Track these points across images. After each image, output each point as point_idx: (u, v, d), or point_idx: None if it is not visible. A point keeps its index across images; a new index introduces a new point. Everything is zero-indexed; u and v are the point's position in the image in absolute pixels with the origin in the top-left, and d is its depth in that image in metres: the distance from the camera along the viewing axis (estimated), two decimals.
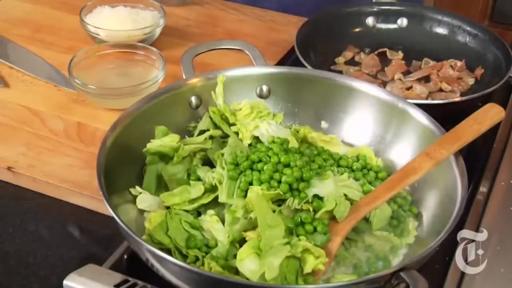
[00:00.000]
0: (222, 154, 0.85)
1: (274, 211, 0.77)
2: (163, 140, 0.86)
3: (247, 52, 1.01)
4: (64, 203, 0.92)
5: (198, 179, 0.85)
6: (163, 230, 0.78)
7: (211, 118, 0.93)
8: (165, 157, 0.87)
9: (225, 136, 0.92)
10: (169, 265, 0.70)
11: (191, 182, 0.84)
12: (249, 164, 0.82)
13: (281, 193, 0.78)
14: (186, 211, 0.82)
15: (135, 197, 0.83)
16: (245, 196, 0.79)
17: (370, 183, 0.87)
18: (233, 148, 0.86)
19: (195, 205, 0.82)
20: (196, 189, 0.83)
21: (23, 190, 0.94)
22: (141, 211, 0.82)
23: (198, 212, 0.83)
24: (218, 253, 0.77)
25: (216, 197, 0.81)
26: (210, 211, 0.81)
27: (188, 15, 1.37)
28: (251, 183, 0.80)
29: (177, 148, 0.86)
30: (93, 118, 1.05)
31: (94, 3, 1.26)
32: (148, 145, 0.86)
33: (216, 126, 0.93)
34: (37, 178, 0.93)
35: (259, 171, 0.81)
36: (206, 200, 0.82)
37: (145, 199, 0.82)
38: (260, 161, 0.82)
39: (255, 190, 0.78)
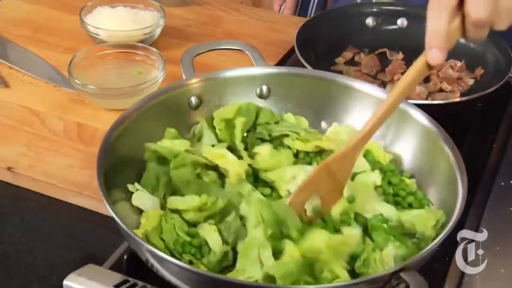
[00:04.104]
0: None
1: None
2: (174, 142, 0.86)
3: (247, 52, 1.01)
4: (64, 203, 0.92)
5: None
6: (157, 233, 0.78)
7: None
8: (165, 158, 0.86)
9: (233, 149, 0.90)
10: (169, 265, 0.70)
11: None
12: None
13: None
14: (184, 219, 0.81)
15: None
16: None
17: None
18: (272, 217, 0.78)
19: (198, 216, 0.80)
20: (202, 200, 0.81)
21: (23, 190, 0.94)
22: (141, 211, 0.82)
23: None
24: (209, 262, 0.76)
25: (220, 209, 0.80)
26: (211, 220, 0.80)
27: (188, 15, 1.37)
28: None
29: (176, 155, 0.85)
30: (93, 118, 1.05)
31: (94, 3, 1.25)
32: (152, 144, 0.85)
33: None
34: (37, 178, 0.93)
35: None
36: (209, 212, 0.81)
37: (140, 196, 0.82)
38: None
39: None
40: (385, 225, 0.78)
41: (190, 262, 0.76)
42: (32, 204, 0.93)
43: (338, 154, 0.80)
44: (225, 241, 0.78)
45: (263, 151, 0.89)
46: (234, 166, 0.85)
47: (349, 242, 0.76)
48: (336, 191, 0.81)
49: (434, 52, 0.74)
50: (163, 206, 0.83)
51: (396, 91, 0.78)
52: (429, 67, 0.76)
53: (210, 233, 0.78)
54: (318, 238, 0.75)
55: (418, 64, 0.76)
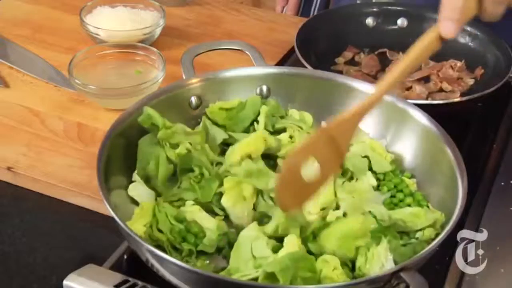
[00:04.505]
0: None
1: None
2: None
3: (247, 52, 1.01)
4: (64, 203, 0.92)
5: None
6: (155, 225, 0.78)
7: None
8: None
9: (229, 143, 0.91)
10: (169, 265, 0.70)
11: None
12: None
13: None
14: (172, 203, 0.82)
15: None
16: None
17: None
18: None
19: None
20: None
21: (23, 190, 0.94)
22: None
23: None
24: (209, 241, 0.77)
25: None
26: (189, 202, 0.81)
27: (188, 15, 1.37)
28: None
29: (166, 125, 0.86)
30: (93, 118, 1.05)
31: (94, 3, 1.25)
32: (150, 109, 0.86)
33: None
34: (37, 178, 0.93)
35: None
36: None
37: (137, 187, 0.82)
38: None
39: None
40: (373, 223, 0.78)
41: (191, 252, 0.76)
42: (32, 204, 0.93)
43: (340, 119, 0.76)
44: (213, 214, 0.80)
45: (283, 138, 0.91)
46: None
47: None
48: (335, 160, 0.77)
49: (448, 24, 0.70)
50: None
51: (406, 60, 0.74)
52: (441, 40, 0.72)
53: (197, 214, 0.79)
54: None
55: (429, 36, 0.72)
